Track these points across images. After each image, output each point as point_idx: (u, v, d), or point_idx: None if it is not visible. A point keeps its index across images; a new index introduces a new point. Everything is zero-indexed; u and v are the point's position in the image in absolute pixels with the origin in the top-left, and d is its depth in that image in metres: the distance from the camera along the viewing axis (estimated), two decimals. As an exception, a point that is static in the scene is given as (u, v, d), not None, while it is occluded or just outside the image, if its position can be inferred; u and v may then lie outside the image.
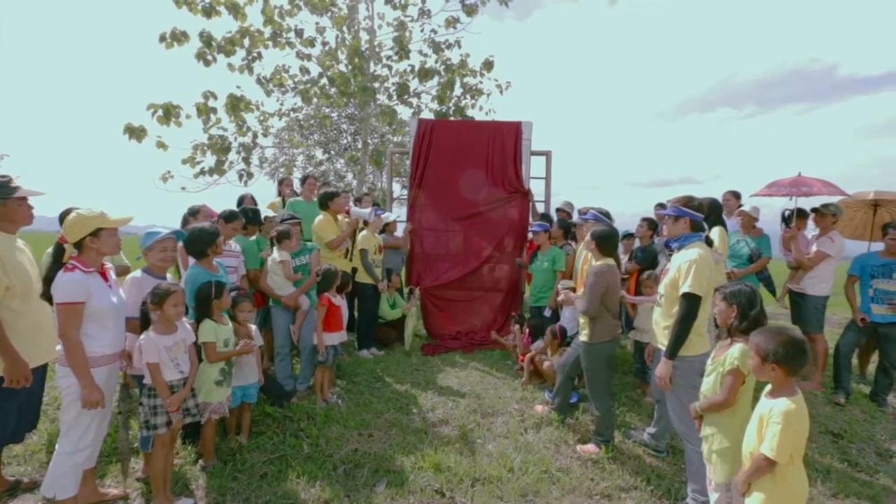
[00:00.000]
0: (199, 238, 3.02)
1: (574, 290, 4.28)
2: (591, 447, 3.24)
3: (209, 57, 9.47)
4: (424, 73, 9.24)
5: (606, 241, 3.19)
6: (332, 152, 14.42)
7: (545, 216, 5.67)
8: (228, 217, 3.87)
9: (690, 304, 2.58)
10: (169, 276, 2.87)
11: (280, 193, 5.53)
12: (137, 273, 2.70)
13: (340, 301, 3.87)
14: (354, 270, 5.14)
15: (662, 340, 2.83)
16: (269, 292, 3.95)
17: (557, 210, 5.77)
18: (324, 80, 9.78)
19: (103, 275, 2.40)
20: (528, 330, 4.55)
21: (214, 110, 9.66)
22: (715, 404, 2.13)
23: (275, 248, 4.00)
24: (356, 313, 5.29)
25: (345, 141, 14.71)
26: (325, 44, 9.93)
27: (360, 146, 10.20)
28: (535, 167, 5.82)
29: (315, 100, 11.66)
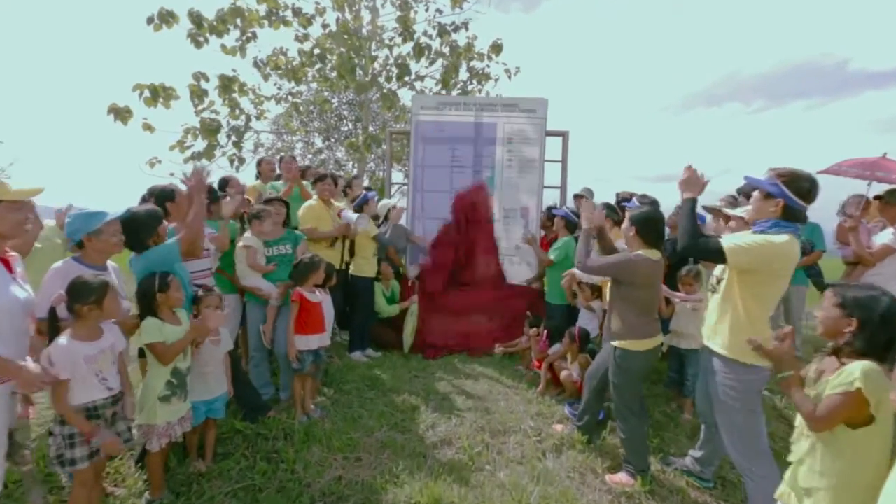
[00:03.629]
0: (141, 223, 2.42)
1: (595, 292, 3.71)
2: (623, 477, 2.67)
3: (200, 38, 8.98)
4: (419, 51, 8.62)
5: (649, 227, 2.57)
6: (333, 139, 13.85)
7: (553, 207, 5.09)
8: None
9: (706, 249, 2.14)
10: (112, 264, 2.32)
11: (259, 175, 4.96)
12: (62, 263, 2.15)
13: (321, 297, 3.28)
14: (348, 263, 4.60)
15: (717, 340, 2.25)
16: (238, 283, 3.42)
17: (576, 197, 5.16)
18: (319, 65, 9.20)
19: (5, 263, 1.85)
20: (545, 332, 3.97)
21: (206, 93, 9.18)
22: (808, 415, 1.55)
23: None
24: (349, 310, 4.74)
25: (346, 128, 14.14)
26: (325, 26, 9.37)
27: (360, 133, 9.65)
28: (550, 149, 5.22)
29: (314, 84, 11.10)
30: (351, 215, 4.36)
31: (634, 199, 3.31)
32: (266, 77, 9.98)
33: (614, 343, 2.62)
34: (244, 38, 9.20)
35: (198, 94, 9.02)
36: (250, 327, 3.57)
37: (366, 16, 9.36)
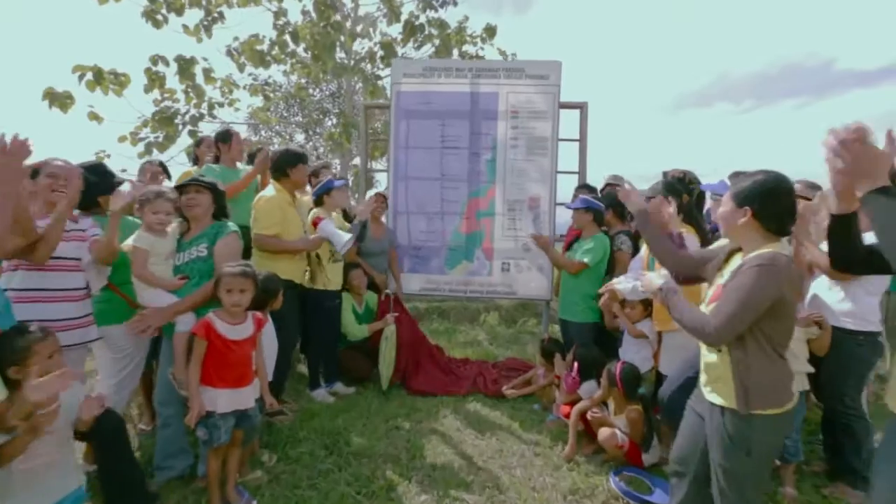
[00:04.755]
0: None
1: (647, 310, 2.60)
2: None
3: (159, 17, 7.89)
4: (411, 31, 7.53)
5: (776, 206, 1.50)
6: (312, 132, 12.73)
7: (587, 187, 4.00)
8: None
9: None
10: None
11: (197, 160, 3.85)
12: None
13: (246, 330, 2.13)
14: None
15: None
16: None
17: (606, 187, 4.10)
18: (291, 46, 8.14)
19: None
20: (575, 364, 2.85)
21: (164, 78, 8.09)
22: None
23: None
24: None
25: (329, 122, 13.04)
26: (304, 13, 8.33)
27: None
28: (565, 124, 4.17)
29: (293, 76, 10.04)
30: (331, 230, 3.12)
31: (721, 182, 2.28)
32: (241, 67, 8.97)
33: (729, 407, 1.54)
34: (209, 18, 8.15)
35: (155, 80, 7.97)
36: (159, 371, 2.46)
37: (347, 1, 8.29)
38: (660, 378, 2.63)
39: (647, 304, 2.68)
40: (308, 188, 3.60)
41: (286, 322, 2.78)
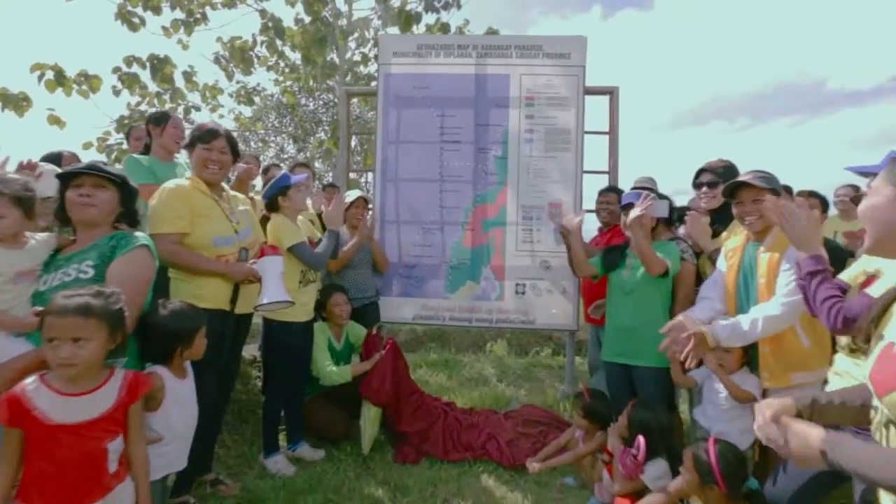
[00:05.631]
0: None
1: (745, 357, 1.73)
2: None
3: (135, 19, 7.28)
4: (407, 21, 6.82)
5: None
6: (304, 143, 12.03)
7: (614, 189, 3.19)
8: None
9: None
10: None
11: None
12: None
13: (96, 406, 1.25)
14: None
15: None
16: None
17: (635, 189, 3.28)
18: (278, 41, 7.49)
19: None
20: (640, 440, 1.92)
21: (138, 80, 7.49)
22: None
23: None
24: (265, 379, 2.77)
25: (321, 133, 12.36)
26: (298, 20, 7.74)
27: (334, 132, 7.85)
28: (592, 114, 3.39)
29: (282, 80, 9.42)
30: (271, 276, 2.07)
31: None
32: (230, 75, 8.39)
33: None
34: (192, 19, 7.53)
35: (126, 81, 7.35)
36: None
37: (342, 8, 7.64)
38: (765, 458, 1.77)
39: (745, 351, 1.82)
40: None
41: (207, 375, 1.90)
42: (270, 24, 7.20)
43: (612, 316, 2.41)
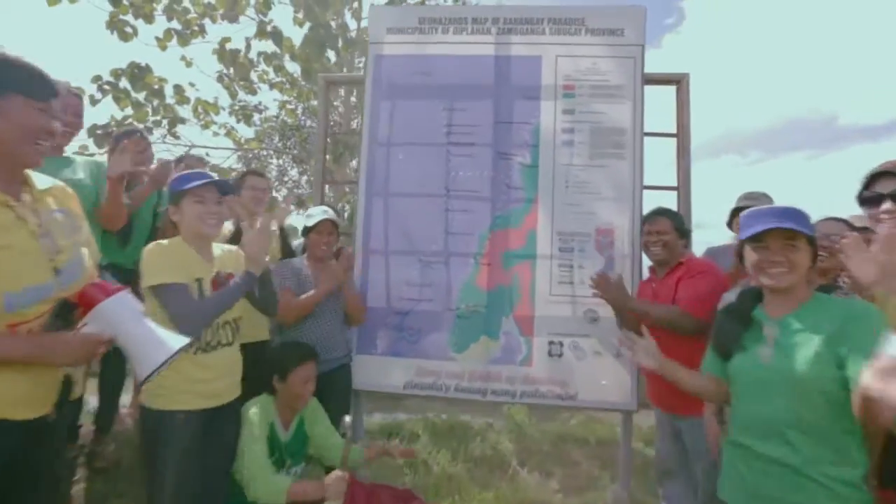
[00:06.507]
0: None
1: None
2: None
3: (127, 29, 6.79)
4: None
5: None
6: (305, 164, 11.38)
7: (664, 213, 2.19)
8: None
9: None
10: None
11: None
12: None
13: None
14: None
15: None
16: None
17: (735, 214, 2.32)
18: (274, 48, 6.89)
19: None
20: None
21: (119, 90, 6.96)
22: None
23: None
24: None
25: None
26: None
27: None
28: (653, 108, 2.48)
29: (287, 98, 8.83)
30: (126, 325, 1.14)
31: None
32: (234, 94, 7.85)
33: None
34: (189, 31, 6.99)
35: (113, 92, 6.81)
36: None
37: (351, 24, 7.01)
38: None
39: None
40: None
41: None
42: (269, 30, 6.59)
43: (744, 430, 1.26)
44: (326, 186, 3.03)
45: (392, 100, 2.58)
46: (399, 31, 2.60)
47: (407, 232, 2.50)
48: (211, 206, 1.56)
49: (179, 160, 2.71)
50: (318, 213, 2.12)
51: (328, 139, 2.94)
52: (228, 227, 2.14)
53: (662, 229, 2.04)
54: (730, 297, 1.72)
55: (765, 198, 2.32)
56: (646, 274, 2.33)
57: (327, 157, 5.51)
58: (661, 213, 2.11)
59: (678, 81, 2.57)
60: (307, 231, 2.12)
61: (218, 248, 1.68)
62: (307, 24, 6.34)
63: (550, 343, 2.38)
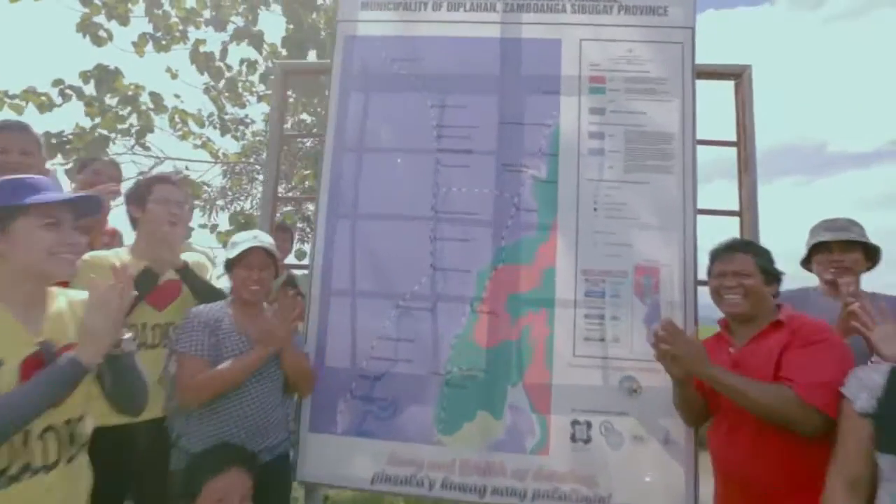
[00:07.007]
0: None
1: None
2: None
3: (101, 33, 6.23)
4: None
5: None
6: (287, 180, 10.79)
7: (742, 247, 1.55)
8: None
9: None
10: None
11: None
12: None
13: None
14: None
15: None
16: None
17: (814, 250, 1.71)
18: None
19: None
20: None
21: (83, 94, 6.35)
22: None
23: None
24: None
25: (307, 168, 11.13)
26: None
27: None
28: (706, 107, 1.89)
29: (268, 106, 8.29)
30: None
31: None
32: (221, 108, 7.30)
33: None
34: (169, 36, 6.46)
35: (82, 97, 6.23)
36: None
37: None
38: None
39: None
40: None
41: None
42: (252, 28, 6.08)
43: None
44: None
45: (365, 92, 1.98)
46: (377, 5, 2.01)
47: (380, 267, 1.86)
48: (66, 234, 0.94)
49: (84, 165, 2.09)
50: (244, 240, 1.49)
51: (284, 145, 2.32)
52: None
53: (743, 269, 1.41)
54: (867, 374, 1.11)
55: (855, 227, 1.72)
56: (704, 330, 1.70)
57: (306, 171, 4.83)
58: (739, 246, 1.49)
59: (738, 75, 1.98)
60: (229, 265, 1.49)
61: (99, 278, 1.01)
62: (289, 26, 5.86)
63: (574, 423, 1.72)
